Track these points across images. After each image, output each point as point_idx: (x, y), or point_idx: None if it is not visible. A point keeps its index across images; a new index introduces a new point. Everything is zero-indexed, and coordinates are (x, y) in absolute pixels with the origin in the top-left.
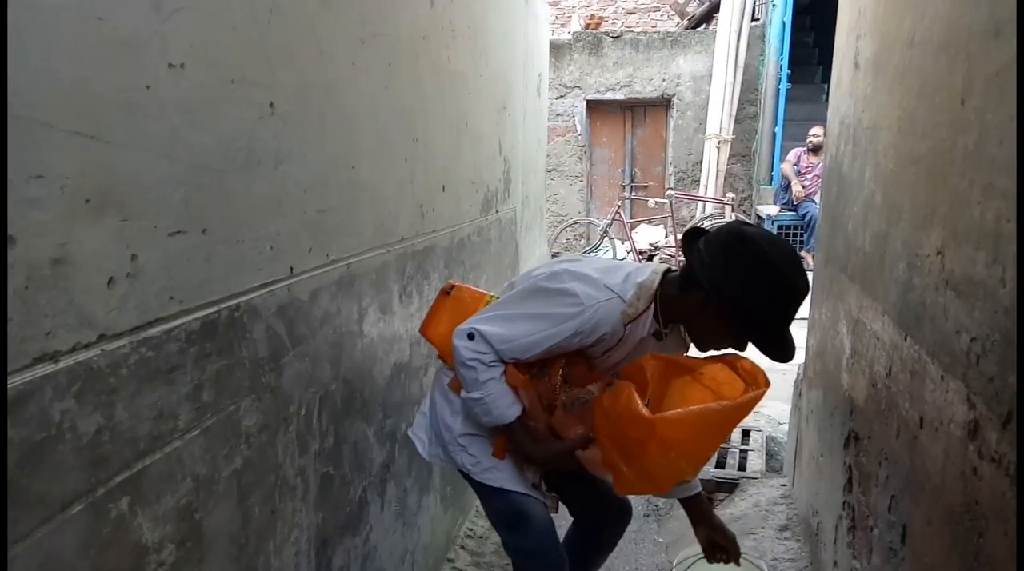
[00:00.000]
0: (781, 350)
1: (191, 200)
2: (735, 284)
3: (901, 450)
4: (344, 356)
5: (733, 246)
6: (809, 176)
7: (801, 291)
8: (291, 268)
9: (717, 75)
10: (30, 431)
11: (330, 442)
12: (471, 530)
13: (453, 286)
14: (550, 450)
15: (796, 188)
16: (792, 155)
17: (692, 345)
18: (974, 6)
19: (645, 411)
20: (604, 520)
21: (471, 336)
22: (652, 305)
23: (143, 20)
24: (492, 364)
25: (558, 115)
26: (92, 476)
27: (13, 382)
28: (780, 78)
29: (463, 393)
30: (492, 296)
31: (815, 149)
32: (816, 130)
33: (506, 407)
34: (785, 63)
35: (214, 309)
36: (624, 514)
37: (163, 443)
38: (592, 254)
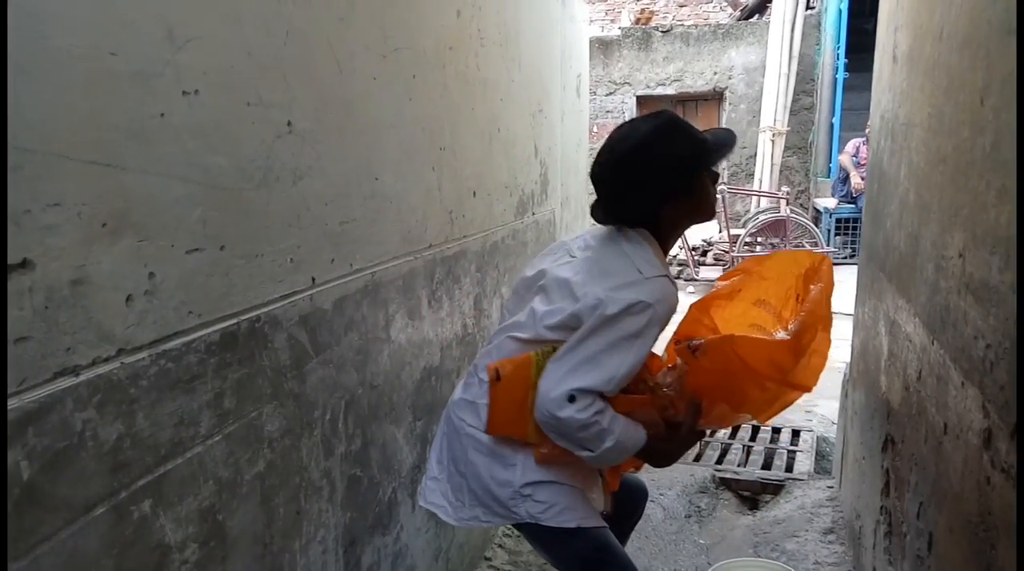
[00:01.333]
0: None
1: (208, 219)
2: (652, 170)
3: (928, 456)
4: (370, 362)
5: (612, 162)
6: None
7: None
8: (313, 279)
9: (771, 66)
10: (52, 440)
11: (357, 445)
12: (509, 529)
13: (497, 370)
14: (683, 440)
15: (855, 180)
16: (851, 146)
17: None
18: (992, 1)
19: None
20: (626, 506)
21: (572, 399)
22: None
23: (156, 52)
24: (605, 409)
25: (608, 112)
26: (114, 480)
27: (35, 395)
28: (837, 67)
29: (587, 454)
30: (536, 353)
31: None
32: None
33: (636, 435)
34: (842, 52)
35: (234, 321)
36: (642, 495)
37: (184, 448)
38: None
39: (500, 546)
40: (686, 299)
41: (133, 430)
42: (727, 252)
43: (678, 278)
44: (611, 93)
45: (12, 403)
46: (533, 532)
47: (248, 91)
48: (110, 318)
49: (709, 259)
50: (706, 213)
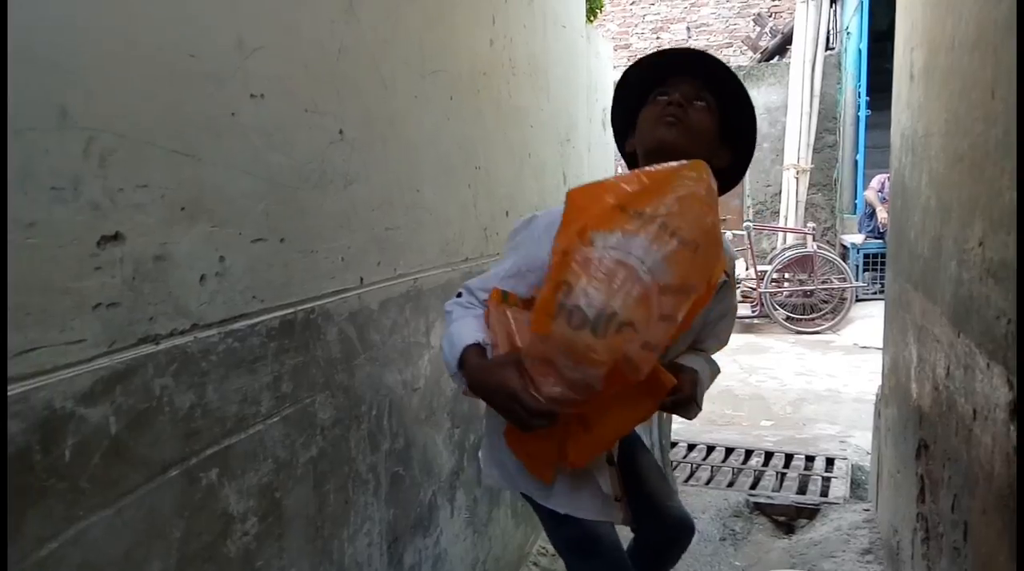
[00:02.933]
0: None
1: (270, 212)
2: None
3: (960, 447)
4: (412, 365)
5: None
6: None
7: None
8: (361, 279)
9: (792, 105)
10: (136, 400)
11: (400, 443)
12: (544, 548)
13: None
14: (489, 379)
15: (882, 215)
16: (876, 182)
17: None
18: (996, 2)
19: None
20: (663, 538)
21: (459, 294)
22: None
23: (228, 57)
24: (468, 304)
25: None
26: (186, 446)
27: (123, 357)
28: (859, 105)
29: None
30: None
31: None
32: None
33: (461, 337)
34: (863, 90)
35: (291, 310)
36: (684, 531)
37: (247, 425)
38: None
39: (535, 564)
40: None
41: (203, 401)
42: (754, 289)
43: None
44: None
45: (103, 361)
46: (531, 505)
47: (305, 99)
48: (186, 294)
49: (737, 297)
50: (646, 142)
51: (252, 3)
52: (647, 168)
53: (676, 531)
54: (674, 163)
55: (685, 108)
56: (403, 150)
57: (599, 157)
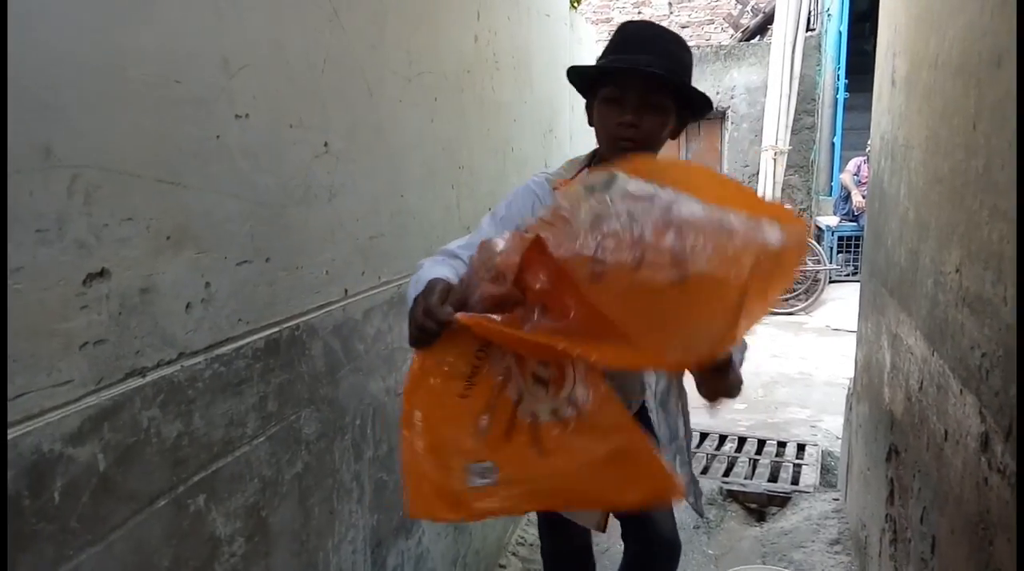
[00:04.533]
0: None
1: (256, 233)
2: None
3: (931, 462)
4: (395, 370)
5: None
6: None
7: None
8: (345, 290)
9: (772, 87)
10: (124, 435)
11: (384, 450)
12: (522, 538)
13: None
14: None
15: (856, 198)
16: (852, 165)
17: None
18: (981, 35)
19: None
20: (651, 555)
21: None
22: (585, 168)
23: (213, 79)
24: (442, 259)
25: None
26: (174, 475)
27: (110, 393)
28: (838, 87)
29: None
30: None
31: None
32: None
33: (419, 281)
34: (842, 72)
35: (277, 329)
36: (673, 550)
37: (234, 447)
38: None
39: (514, 554)
40: None
41: (190, 428)
42: None
43: None
44: None
45: (90, 400)
46: None
47: (290, 114)
48: (172, 324)
49: None
50: (605, 146)
51: (236, 21)
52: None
53: (663, 551)
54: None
55: (638, 126)
56: (388, 157)
57: (581, 145)
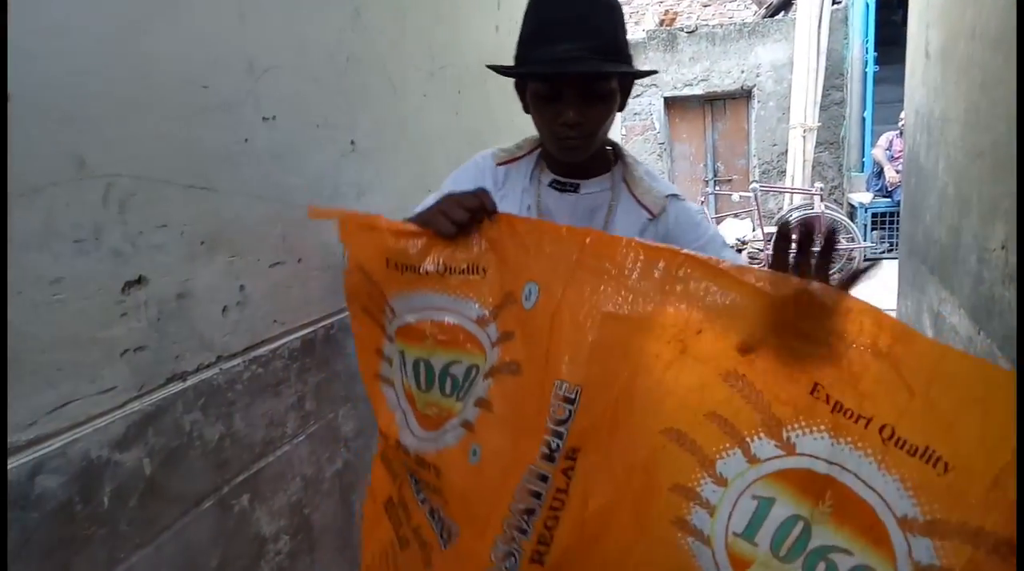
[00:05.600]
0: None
1: (287, 234)
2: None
3: None
4: None
5: None
6: (903, 161)
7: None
8: None
9: (799, 63)
10: (168, 439)
11: None
12: None
13: None
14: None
15: (890, 174)
16: (883, 140)
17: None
18: (1015, 7)
19: None
20: None
21: None
22: (538, 149)
23: (240, 83)
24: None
25: (635, 114)
26: (218, 476)
27: (152, 399)
28: (867, 61)
29: None
30: None
31: None
32: None
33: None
34: (871, 46)
35: (311, 329)
36: None
37: (275, 447)
38: None
39: None
40: None
41: (232, 430)
42: (761, 250)
43: None
44: (638, 95)
45: (134, 406)
46: None
47: (316, 114)
48: (210, 328)
49: (743, 258)
50: (548, 146)
51: (260, 23)
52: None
53: None
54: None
55: (582, 124)
56: (414, 152)
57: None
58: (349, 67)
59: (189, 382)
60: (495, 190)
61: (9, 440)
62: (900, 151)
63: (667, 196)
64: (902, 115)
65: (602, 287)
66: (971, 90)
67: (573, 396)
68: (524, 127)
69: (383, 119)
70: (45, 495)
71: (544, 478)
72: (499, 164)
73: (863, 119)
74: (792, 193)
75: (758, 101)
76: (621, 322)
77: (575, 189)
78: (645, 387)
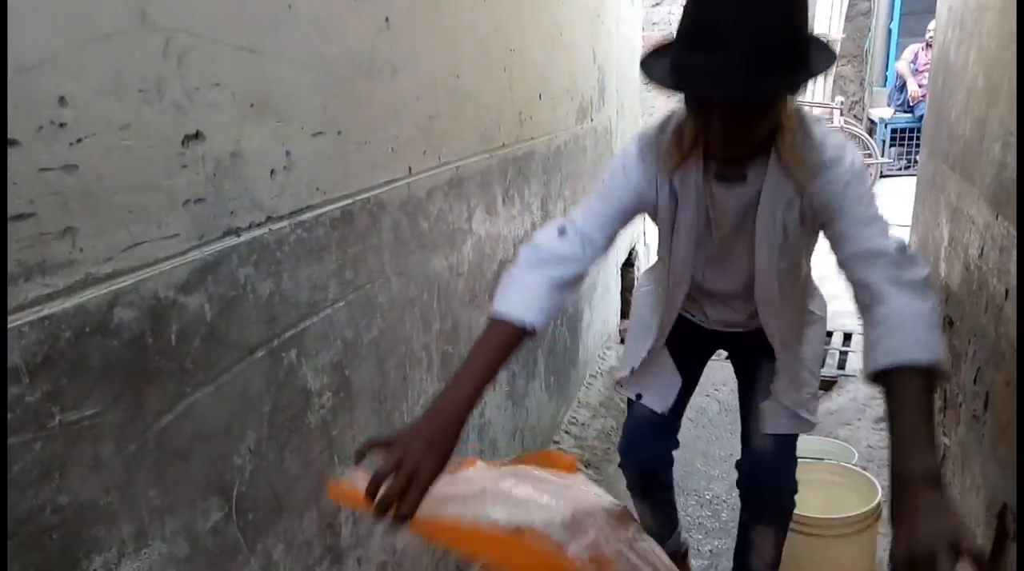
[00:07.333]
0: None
1: (328, 106)
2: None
3: (988, 324)
4: (456, 250)
5: None
6: (927, 75)
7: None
8: (409, 168)
9: None
10: (224, 289)
11: (448, 324)
12: (574, 418)
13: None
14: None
15: (912, 87)
16: (908, 52)
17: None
18: None
19: None
20: (745, 469)
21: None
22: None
23: None
24: (546, 255)
25: (654, 24)
26: (269, 330)
27: (211, 249)
28: None
29: None
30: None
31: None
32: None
33: (510, 296)
34: None
35: (350, 201)
36: (764, 470)
37: (318, 309)
38: None
39: (567, 432)
40: None
41: (280, 288)
42: None
43: None
44: (657, 4)
45: (195, 254)
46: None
47: None
48: (259, 189)
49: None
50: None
51: None
52: None
53: (755, 466)
54: None
55: (743, 140)
56: (443, 36)
57: (627, 32)
58: None
59: (243, 238)
60: (667, 200)
61: (89, 271)
62: (925, 65)
63: (822, 164)
64: (931, 25)
65: None
66: None
67: None
68: (547, 24)
69: (415, 0)
70: (122, 326)
71: None
72: (670, 172)
73: (889, 31)
74: (811, 107)
75: None
76: None
77: (743, 179)
78: None
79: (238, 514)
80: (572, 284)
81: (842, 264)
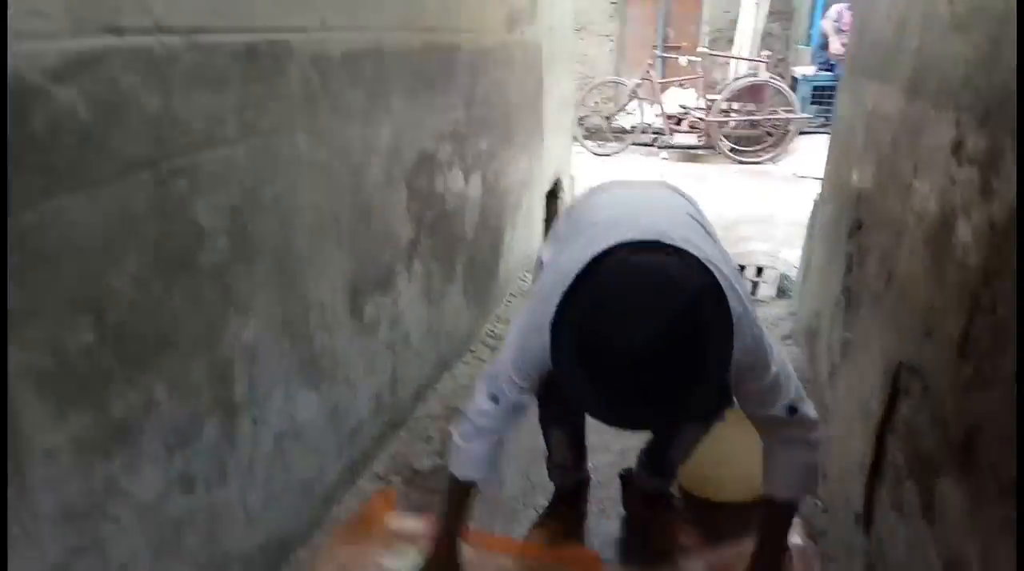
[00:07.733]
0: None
1: None
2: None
3: (894, 204)
4: (372, 126)
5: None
6: (850, 34)
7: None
8: (323, 20)
9: None
10: (103, 92)
11: (361, 200)
12: (492, 331)
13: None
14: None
15: (834, 45)
16: (833, 11)
17: None
18: None
19: None
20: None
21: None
22: None
23: None
24: (479, 427)
25: None
26: (156, 150)
27: (87, 43)
28: None
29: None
30: None
31: None
32: None
33: (461, 462)
34: None
35: (254, 36)
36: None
37: (214, 143)
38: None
39: (484, 344)
40: (660, 166)
41: (171, 110)
42: (702, 119)
43: (651, 146)
44: None
45: (68, 43)
46: None
47: None
48: None
49: (684, 126)
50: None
51: None
52: None
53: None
54: None
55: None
56: None
57: None
58: None
59: (126, 40)
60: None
61: None
62: (848, 24)
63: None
64: None
65: None
66: None
67: None
68: None
69: None
70: None
71: None
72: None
73: None
74: (738, 60)
75: None
76: None
77: None
78: None
79: (115, 341)
80: (506, 436)
81: (746, 414)
